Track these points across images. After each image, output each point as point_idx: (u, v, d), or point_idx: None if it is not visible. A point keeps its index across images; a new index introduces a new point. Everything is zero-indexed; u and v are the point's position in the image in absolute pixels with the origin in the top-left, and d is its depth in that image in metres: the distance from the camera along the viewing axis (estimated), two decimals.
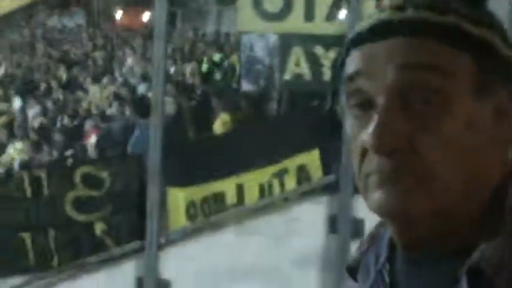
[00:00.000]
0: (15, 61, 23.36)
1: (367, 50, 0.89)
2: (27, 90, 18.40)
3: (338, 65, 0.95)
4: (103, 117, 12.48)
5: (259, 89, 7.07)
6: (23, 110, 16.64)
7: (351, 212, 5.88)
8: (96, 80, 16.52)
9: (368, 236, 1.02)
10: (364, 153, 0.88)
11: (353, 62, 0.90)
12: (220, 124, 8.00)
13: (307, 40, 6.36)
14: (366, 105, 0.88)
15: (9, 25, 31.06)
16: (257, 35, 6.47)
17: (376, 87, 0.87)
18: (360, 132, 0.88)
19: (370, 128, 0.85)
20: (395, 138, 0.85)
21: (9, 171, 9.38)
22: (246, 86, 6.75)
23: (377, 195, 0.87)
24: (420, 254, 0.90)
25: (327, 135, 6.26)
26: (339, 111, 5.36)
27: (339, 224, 5.87)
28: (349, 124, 0.91)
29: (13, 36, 29.92)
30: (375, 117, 0.86)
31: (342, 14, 6.29)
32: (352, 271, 1.01)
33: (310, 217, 6.04)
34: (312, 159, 6.24)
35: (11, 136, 14.22)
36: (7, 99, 18.77)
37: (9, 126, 15.44)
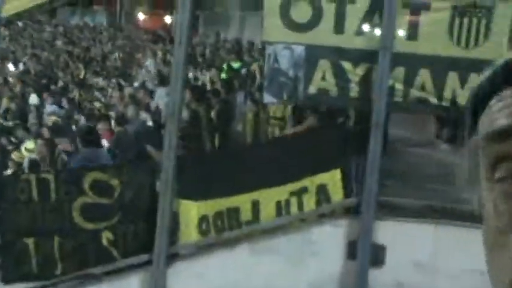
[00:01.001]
0: (35, 57, 23.24)
1: None
2: (44, 87, 18.24)
3: (470, 107, 0.61)
4: (119, 119, 12.22)
5: (283, 102, 6.77)
6: (39, 107, 16.46)
7: (371, 237, 5.60)
8: (114, 80, 16.28)
9: None
10: None
11: (508, 110, 0.58)
12: None
13: (335, 53, 6.06)
14: None
15: (32, 21, 31.02)
16: (283, 45, 6.18)
17: None
18: None
19: None
20: None
21: (16, 173, 9.14)
22: (269, 99, 6.45)
23: None
24: None
25: (349, 154, 5.96)
26: None
27: (359, 250, 5.58)
28: (488, 201, 0.59)
29: (34, 33, 29.87)
30: None
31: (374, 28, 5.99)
32: None
33: (329, 240, 5.75)
34: (333, 179, 5.93)
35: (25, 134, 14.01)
36: (24, 96, 18.61)
37: (24, 124, 15.24)
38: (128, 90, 14.53)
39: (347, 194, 5.94)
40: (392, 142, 7.71)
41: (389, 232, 5.60)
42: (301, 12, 6.10)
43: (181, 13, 5.84)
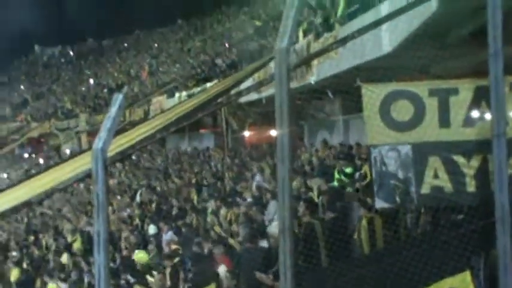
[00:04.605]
0: (149, 188, 23.85)
1: None
2: (161, 216, 18.53)
3: None
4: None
5: (396, 206, 6.45)
6: (157, 237, 16.64)
7: None
8: (225, 201, 16.32)
9: None
10: None
11: None
12: None
13: (445, 148, 5.76)
14: None
15: (143, 152, 32.21)
16: (388, 147, 5.94)
17: None
18: None
19: None
20: None
21: None
22: (380, 204, 6.16)
23: None
24: None
25: (478, 254, 5.52)
26: None
27: None
28: None
29: (147, 163, 30.90)
30: None
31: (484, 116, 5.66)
32: None
33: None
34: (463, 282, 5.48)
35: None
36: (143, 227, 18.97)
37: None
38: (241, 209, 14.51)
39: None
40: None
41: None
42: (403, 111, 5.89)
43: (280, 130, 5.72)
